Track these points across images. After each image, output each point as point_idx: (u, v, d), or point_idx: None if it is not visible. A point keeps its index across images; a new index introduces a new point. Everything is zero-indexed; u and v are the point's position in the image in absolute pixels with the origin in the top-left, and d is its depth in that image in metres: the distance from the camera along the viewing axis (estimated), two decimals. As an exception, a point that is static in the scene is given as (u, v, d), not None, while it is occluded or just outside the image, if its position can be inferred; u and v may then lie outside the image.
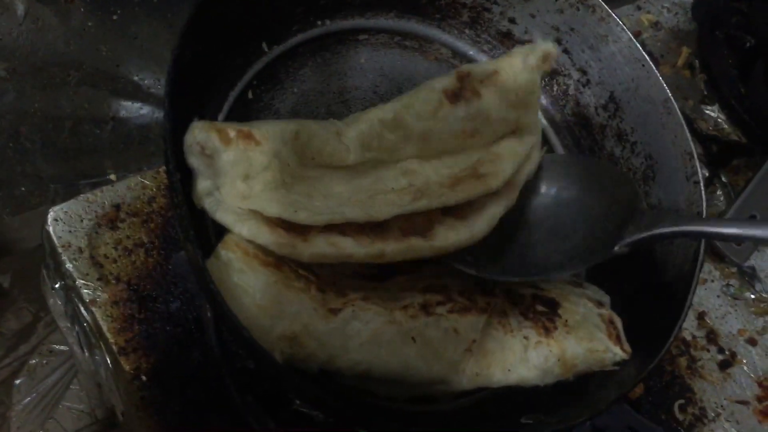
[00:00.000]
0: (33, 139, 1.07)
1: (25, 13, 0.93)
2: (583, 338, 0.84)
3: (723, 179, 1.27)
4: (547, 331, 0.84)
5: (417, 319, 0.81)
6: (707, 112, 1.35)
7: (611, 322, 0.87)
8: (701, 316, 1.12)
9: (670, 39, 1.43)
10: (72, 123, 1.09)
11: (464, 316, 0.83)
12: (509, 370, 0.82)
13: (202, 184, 0.76)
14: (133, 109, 1.13)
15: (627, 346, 0.85)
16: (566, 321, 0.85)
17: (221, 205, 0.76)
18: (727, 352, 1.10)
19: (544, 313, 0.86)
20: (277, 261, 0.81)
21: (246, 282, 0.76)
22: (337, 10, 0.97)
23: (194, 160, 0.76)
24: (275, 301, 0.76)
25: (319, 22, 0.97)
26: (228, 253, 0.77)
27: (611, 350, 0.84)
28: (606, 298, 0.90)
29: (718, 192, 1.26)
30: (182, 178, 0.73)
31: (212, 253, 0.76)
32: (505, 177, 0.87)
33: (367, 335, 0.78)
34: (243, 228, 0.75)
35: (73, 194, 0.97)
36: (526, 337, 0.83)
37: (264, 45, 0.92)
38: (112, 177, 1.14)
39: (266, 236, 0.76)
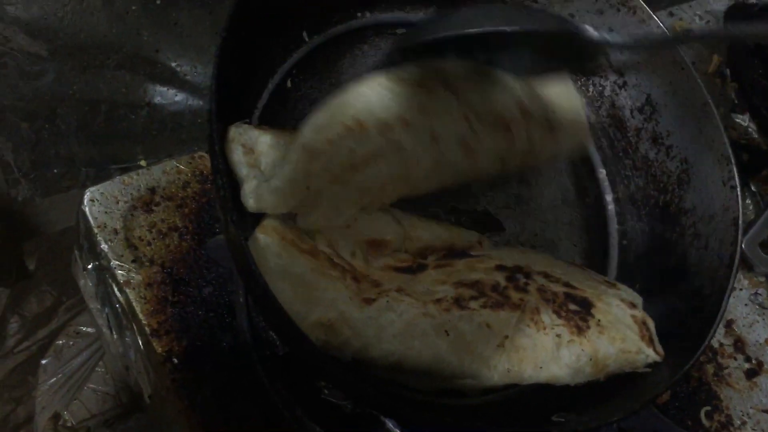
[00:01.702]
0: (69, 121, 1.08)
1: (72, -7, 0.94)
2: (615, 338, 0.84)
3: (752, 188, 1.27)
4: (580, 330, 0.84)
5: (450, 312, 0.81)
6: (738, 120, 1.35)
7: (644, 323, 0.87)
8: (729, 324, 1.12)
9: (702, 47, 1.42)
10: (108, 107, 1.09)
11: (497, 311, 0.83)
12: (541, 368, 0.81)
13: (249, 186, 0.78)
14: (168, 96, 1.14)
15: (660, 348, 0.84)
16: (599, 321, 0.85)
17: (264, 192, 0.77)
18: (754, 361, 1.09)
19: (577, 312, 0.86)
20: (313, 249, 0.81)
21: (283, 266, 0.76)
22: (377, 3, 0.98)
23: (238, 159, 0.78)
24: (312, 287, 0.77)
25: (359, 14, 0.97)
26: (266, 238, 0.77)
27: (644, 351, 0.84)
28: (638, 300, 0.90)
29: (747, 201, 1.26)
30: (225, 160, 0.73)
31: (250, 237, 0.77)
32: None
33: (401, 326, 0.78)
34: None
35: (103, 178, 0.97)
36: (558, 335, 0.83)
37: (305, 34, 0.93)
38: (143, 163, 1.14)
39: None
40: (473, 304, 0.83)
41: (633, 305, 0.89)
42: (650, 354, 0.84)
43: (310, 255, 0.80)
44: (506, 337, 0.81)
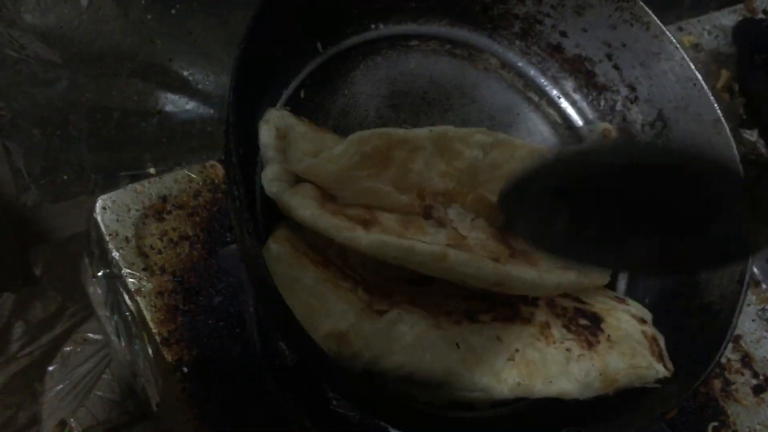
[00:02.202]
0: (80, 128, 1.08)
1: (89, 2, 0.94)
2: (625, 354, 0.84)
3: (760, 204, 1.27)
4: (590, 345, 0.84)
5: (461, 325, 0.81)
6: (746, 136, 1.35)
7: (654, 339, 0.87)
8: (736, 340, 1.12)
9: (711, 61, 1.42)
10: (120, 114, 1.09)
11: (508, 325, 0.83)
12: (551, 382, 0.81)
13: (272, 169, 0.78)
14: (179, 104, 1.14)
15: (670, 364, 0.84)
16: (609, 336, 0.85)
17: (287, 190, 0.77)
18: (761, 377, 1.09)
19: (587, 327, 0.86)
20: (324, 260, 0.81)
21: (295, 276, 0.76)
22: (391, 15, 0.98)
23: (269, 141, 0.79)
24: (323, 298, 0.77)
25: (373, 26, 0.98)
26: (279, 247, 0.78)
27: (654, 367, 0.84)
28: (648, 315, 0.90)
29: (755, 216, 1.26)
30: (242, 171, 0.73)
31: (263, 246, 0.77)
32: None
33: (412, 338, 0.78)
34: (306, 211, 0.76)
35: (113, 185, 0.98)
36: (568, 350, 0.83)
37: (319, 45, 0.93)
38: (152, 170, 1.14)
39: (328, 219, 0.76)
40: (484, 317, 0.83)
41: (643, 321, 0.89)
42: (660, 369, 0.84)
43: (322, 266, 0.80)
44: (517, 350, 0.81)
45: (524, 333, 0.83)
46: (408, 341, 0.78)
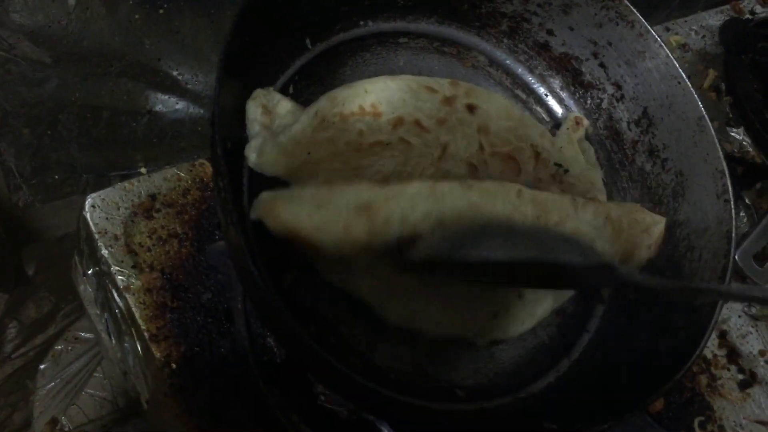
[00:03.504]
0: (70, 128, 1.09)
1: (76, 2, 0.95)
2: (620, 203, 0.90)
3: (746, 201, 1.28)
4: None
5: (470, 175, 0.85)
6: (732, 134, 1.36)
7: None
8: (722, 335, 1.13)
9: (697, 61, 1.44)
10: (109, 114, 1.10)
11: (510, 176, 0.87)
12: (566, 219, 0.84)
13: (257, 141, 0.80)
14: (169, 104, 1.15)
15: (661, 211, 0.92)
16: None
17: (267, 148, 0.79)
18: (747, 372, 1.10)
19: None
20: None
21: (298, 193, 0.76)
22: (380, 12, 0.99)
23: (254, 117, 0.81)
24: (331, 191, 0.77)
25: (362, 23, 0.98)
26: (267, 193, 0.77)
27: (648, 214, 0.90)
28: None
29: (742, 214, 1.27)
30: (227, 164, 0.74)
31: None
32: None
33: (427, 189, 0.78)
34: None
35: (104, 185, 0.98)
36: (574, 199, 0.85)
37: (308, 41, 0.94)
38: (143, 170, 1.15)
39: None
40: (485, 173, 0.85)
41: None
42: (654, 217, 0.90)
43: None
44: (519, 191, 0.82)
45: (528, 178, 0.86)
46: (425, 193, 0.78)
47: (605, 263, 0.78)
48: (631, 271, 0.83)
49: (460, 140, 0.87)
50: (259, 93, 0.84)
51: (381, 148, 0.82)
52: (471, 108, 0.89)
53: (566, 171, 0.95)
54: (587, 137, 1.03)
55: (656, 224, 0.91)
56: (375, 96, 0.84)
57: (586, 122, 1.01)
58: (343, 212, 0.75)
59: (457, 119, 0.88)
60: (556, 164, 0.94)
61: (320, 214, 0.75)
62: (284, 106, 0.84)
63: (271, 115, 0.83)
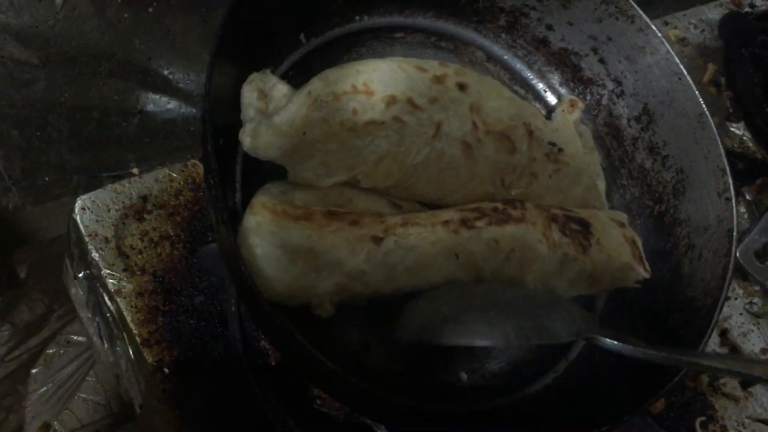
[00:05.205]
0: (60, 128, 1.07)
1: (63, 1, 0.93)
2: (613, 257, 0.88)
3: (747, 197, 1.26)
4: (584, 250, 0.87)
5: (459, 234, 0.83)
6: (732, 129, 1.34)
7: (633, 241, 0.92)
8: (724, 333, 1.11)
9: (697, 55, 1.42)
10: (100, 114, 1.08)
11: (503, 226, 0.84)
12: (543, 281, 0.86)
13: (251, 126, 0.79)
14: (160, 104, 1.13)
15: (647, 266, 0.90)
16: (599, 239, 0.88)
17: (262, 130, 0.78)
18: (749, 371, 1.09)
19: (579, 231, 0.88)
20: (305, 211, 0.80)
21: (281, 242, 0.76)
22: (376, 7, 0.97)
23: (249, 101, 0.80)
24: (313, 254, 0.77)
25: (357, 17, 0.97)
26: (257, 218, 0.77)
27: (635, 269, 0.88)
28: (624, 217, 0.95)
29: (742, 209, 1.25)
30: (218, 161, 0.72)
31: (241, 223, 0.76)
32: None
33: (411, 261, 0.80)
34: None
35: (95, 186, 0.96)
36: (565, 254, 0.86)
37: (302, 36, 0.92)
38: (135, 171, 1.13)
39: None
40: (479, 223, 0.84)
41: (622, 224, 0.93)
42: (641, 272, 0.89)
43: (304, 220, 0.79)
44: (512, 250, 0.83)
45: (520, 232, 0.84)
46: (407, 264, 0.80)
47: (588, 336, 0.78)
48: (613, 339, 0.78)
49: (453, 119, 0.86)
50: (255, 77, 0.83)
51: (375, 128, 0.82)
52: (462, 86, 0.88)
53: (560, 150, 0.93)
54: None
55: (638, 276, 0.90)
56: (367, 75, 0.83)
57: (581, 104, 1.00)
58: (318, 290, 0.77)
59: (449, 98, 0.87)
60: (550, 143, 0.92)
61: (302, 275, 0.77)
62: (280, 89, 0.83)
63: (266, 99, 0.82)
